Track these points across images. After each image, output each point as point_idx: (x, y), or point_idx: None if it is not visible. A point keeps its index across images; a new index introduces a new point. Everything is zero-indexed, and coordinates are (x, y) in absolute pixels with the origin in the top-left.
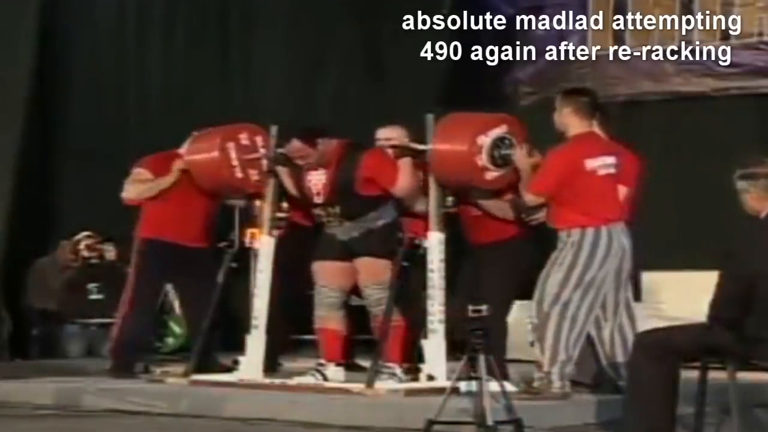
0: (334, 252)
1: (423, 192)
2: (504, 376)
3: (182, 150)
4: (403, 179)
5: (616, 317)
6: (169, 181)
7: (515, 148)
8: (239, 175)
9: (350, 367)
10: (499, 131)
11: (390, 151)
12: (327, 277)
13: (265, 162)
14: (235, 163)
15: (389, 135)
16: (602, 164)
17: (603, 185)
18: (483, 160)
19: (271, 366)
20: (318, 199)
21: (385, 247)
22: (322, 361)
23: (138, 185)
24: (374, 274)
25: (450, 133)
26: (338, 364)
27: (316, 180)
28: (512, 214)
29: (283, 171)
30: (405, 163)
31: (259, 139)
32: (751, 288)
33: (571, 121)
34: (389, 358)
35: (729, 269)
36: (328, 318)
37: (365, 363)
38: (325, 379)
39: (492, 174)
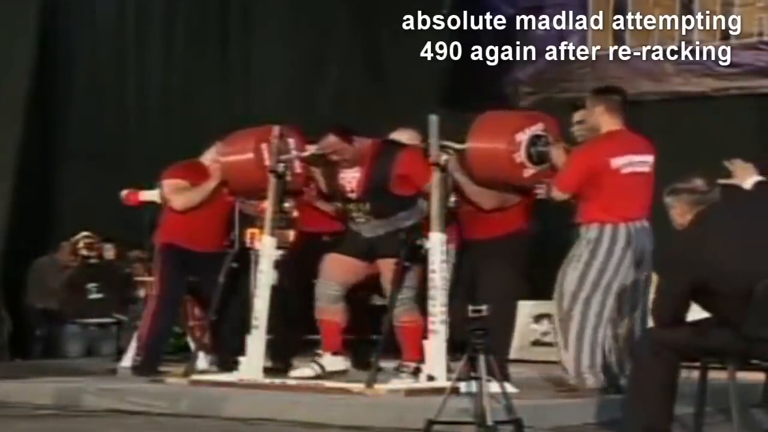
0: (354, 249)
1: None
2: (504, 377)
3: (205, 158)
4: None
5: (632, 317)
6: (213, 185)
7: (551, 146)
8: None
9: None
10: (535, 129)
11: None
12: (335, 270)
13: (296, 161)
14: (268, 164)
15: (400, 137)
16: (628, 162)
17: (626, 183)
18: (521, 157)
19: (284, 368)
20: (352, 196)
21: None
22: (320, 351)
23: (181, 194)
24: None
25: (488, 131)
26: (335, 353)
27: (350, 177)
28: (491, 203)
29: (316, 171)
30: None
31: (291, 140)
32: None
33: (602, 119)
34: (409, 357)
35: (676, 271)
36: (327, 309)
37: (384, 364)
38: (322, 368)
39: (529, 171)
